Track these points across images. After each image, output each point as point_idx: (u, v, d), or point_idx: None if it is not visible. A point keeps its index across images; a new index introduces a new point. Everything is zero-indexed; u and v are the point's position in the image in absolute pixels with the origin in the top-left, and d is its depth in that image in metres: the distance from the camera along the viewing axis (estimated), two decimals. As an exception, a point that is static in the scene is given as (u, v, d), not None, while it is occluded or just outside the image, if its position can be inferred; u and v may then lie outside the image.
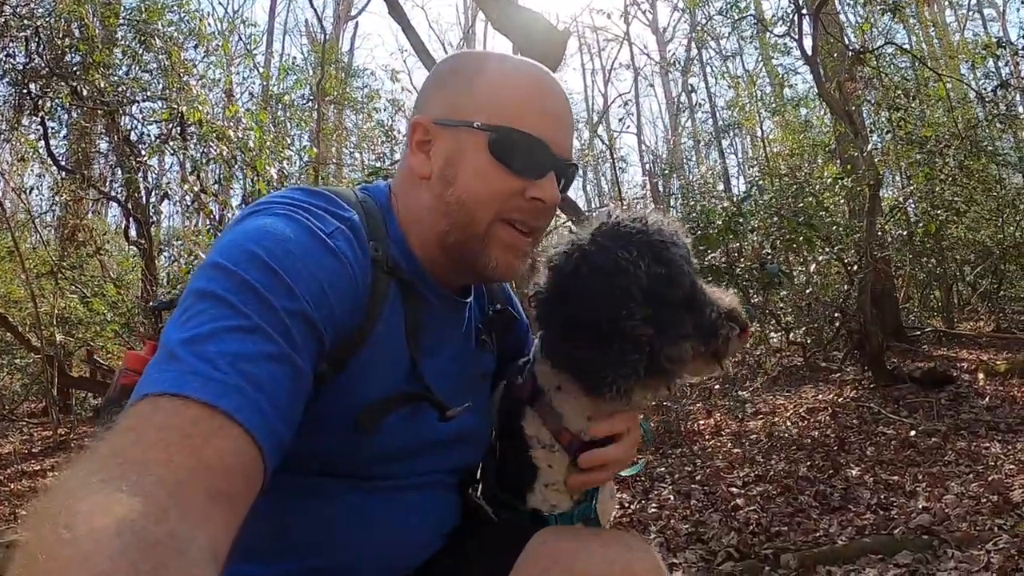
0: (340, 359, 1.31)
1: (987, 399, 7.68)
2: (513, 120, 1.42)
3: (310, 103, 18.82)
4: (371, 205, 1.47)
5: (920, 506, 4.85)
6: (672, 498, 5.83)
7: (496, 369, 1.75)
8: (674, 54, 31.39)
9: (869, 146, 10.86)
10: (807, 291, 9.95)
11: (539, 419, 1.54)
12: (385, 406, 1.37)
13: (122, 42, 10.58)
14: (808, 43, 10.35)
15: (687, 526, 5.13)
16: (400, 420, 1.40)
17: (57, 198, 13.96)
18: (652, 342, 1.41)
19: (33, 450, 11.04)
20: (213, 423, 0.97)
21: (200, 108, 9.06)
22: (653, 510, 5.58)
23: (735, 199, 9.86)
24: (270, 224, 1.23)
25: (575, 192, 32.33)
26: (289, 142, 12.75)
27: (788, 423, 7.83)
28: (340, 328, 1.27)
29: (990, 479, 5.20)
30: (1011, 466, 5.47)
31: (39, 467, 9.59)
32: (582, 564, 1.37)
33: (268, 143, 9.20)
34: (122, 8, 10.23)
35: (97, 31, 9.35)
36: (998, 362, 8.99)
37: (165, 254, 14.72)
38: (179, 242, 13.96)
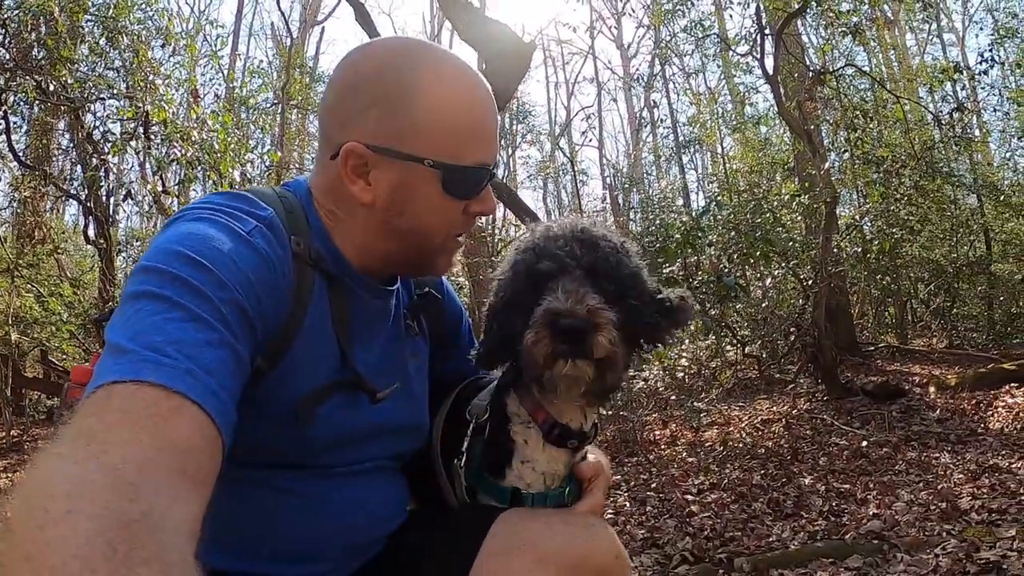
0: (273, 353, 1.34)
1: (938, 412, 7.86)
2: (463, 154, 1.44)
3: (274, 107, 18.76)
4: (291, 201, 1.48)
5: (871, 513, 4.96)
6: (628, 505, 5.90)
7: (430, 351, 1.80)
8: (638, 69, 31.60)
9: (827, 165, 11.04)
10: (763, 305, 10.10)
11: (518, 398, 1.60)
12: (318, 396, 1.42)
13: (89, 38, 10.44)
14: (770, 63, 10.56)
15: (643, 531, 5.20)
16: (334, 409, 1.45)
17: (16, 194, 13.71)
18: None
19: (-15, 450, 10.85)
20: (171, 403, 1.00)
21: (166, 108, 9.00)
22: (609, 516, 5.62)
23: (694, 214, 10.00)
24: (192, 227, 1.27)
25: (535, 204, 32.40)
26: (252, 145, 12.64)
27: (743, 433, 7.94)
28: (268, 320, 1.30)
29: (939, 487, 5.33)
30: (959, 475, 5.61)
31: (-9, 468, 9.43)
32: (547, 542, 1.44)
33: (232, 146, 9.14)
34: (90, 3, 10.07)
35: (64, 26, 9.22)
36: (949, 376, 9.19)
37: (123, 254, 14.58)
38: (138, 243, 13.83)
